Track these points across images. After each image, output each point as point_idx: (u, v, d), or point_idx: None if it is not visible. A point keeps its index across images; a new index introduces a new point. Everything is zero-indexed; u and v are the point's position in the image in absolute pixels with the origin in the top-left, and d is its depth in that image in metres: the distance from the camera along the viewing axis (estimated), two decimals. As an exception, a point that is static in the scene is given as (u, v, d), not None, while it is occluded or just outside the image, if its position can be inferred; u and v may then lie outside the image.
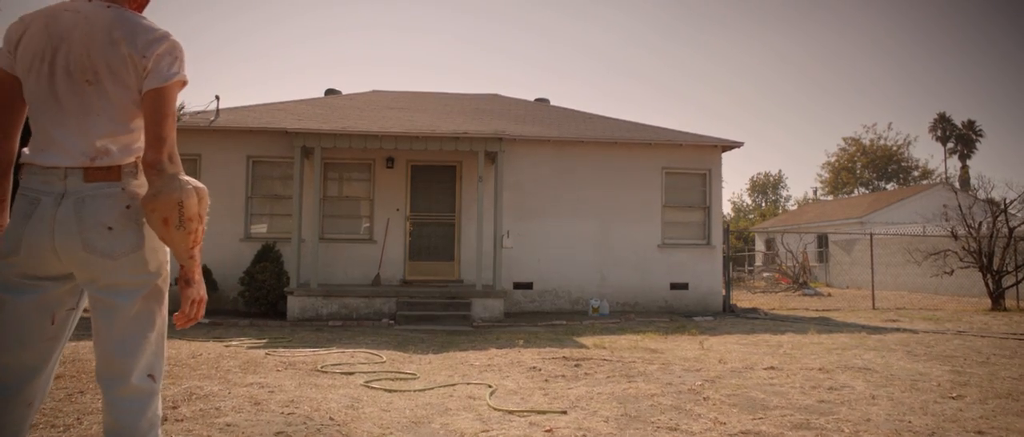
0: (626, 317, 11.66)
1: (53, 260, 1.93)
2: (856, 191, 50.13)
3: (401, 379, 5.66)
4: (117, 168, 1.96)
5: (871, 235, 17.12)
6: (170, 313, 2.09)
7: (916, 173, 50.58)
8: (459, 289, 11.56)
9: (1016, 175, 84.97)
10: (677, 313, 12.49)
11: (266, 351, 7.19)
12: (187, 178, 1.95)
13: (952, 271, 15.60)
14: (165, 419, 4.01)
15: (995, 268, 14.37)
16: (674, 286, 13.17)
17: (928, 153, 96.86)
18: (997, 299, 14.16)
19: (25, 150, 2.00)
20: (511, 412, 4.44)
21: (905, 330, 9.99)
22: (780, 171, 73.00)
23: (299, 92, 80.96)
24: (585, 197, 13.09)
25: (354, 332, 9.25)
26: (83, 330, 3.27)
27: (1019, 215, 15.28)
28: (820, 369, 6.25)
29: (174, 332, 8.03)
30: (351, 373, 5.89)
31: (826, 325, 10.81)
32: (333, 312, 10.84)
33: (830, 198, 49.83)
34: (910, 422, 4.28)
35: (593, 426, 4.10)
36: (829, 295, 19.55)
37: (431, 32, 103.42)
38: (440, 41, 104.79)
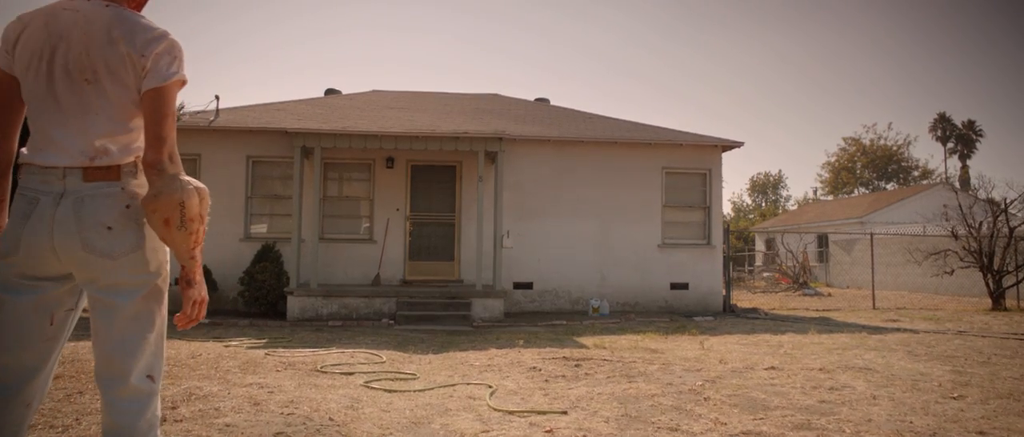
0: (626, 317, 11.65)
1: (52, 260, 1.92)
2: (856, 191, 50.13)
3: (401, 379, 5.65)
4: (116, 168, 1.95)
5: (871, 235, 17.11)
6: (170, 314, 2.08)
7: (916, 173, 50.58)
8: (459, 289, 11.55)
9: (1016, 175, 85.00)
10: (677, 313, 12.48)
11: (266, 351, 7.18)
12: (188, 178, 1.94)
13: (952, 271, 15.59)
14: (164, 419, 4.01)
15: (995, 268, 14.36)
16: (674, 286, 13.16)
17: (928, 153, 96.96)
18: (997, 299, 14.15)
19: (23, 150, 2.00)
20: (511, 412, 4.43)
21: (906, 330, 9.98)
22: (780, 171, 73.07)
23: (299, 92, 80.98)
24: (585, 197, 13.09)
25: (354, 332, 9.24)
26: (82, 330, 3.26)
27: (1019, 215, 15.28)
28: (821, 369, 6.25)
29: (173, 332, 8.02)
30: (351, 373, 5.88)
31: (826, 325, 10.80)
32: (333, 312, 10.83)
33: (830, 198, 49.83)
34: (911, 422, 4.27)
35: (593, 426, 4.09)
36: (829, 295, 19.54)
37: (431, 32, 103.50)
38: (440, 41, 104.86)
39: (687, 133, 14.14)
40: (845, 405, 4.74)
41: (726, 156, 27.58)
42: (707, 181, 13.58)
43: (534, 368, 6.25)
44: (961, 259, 15.09)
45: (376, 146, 11.37)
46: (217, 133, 12.38)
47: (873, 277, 16.32)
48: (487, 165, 12.51)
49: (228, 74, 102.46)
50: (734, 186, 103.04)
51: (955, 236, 15.24)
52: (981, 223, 14.90)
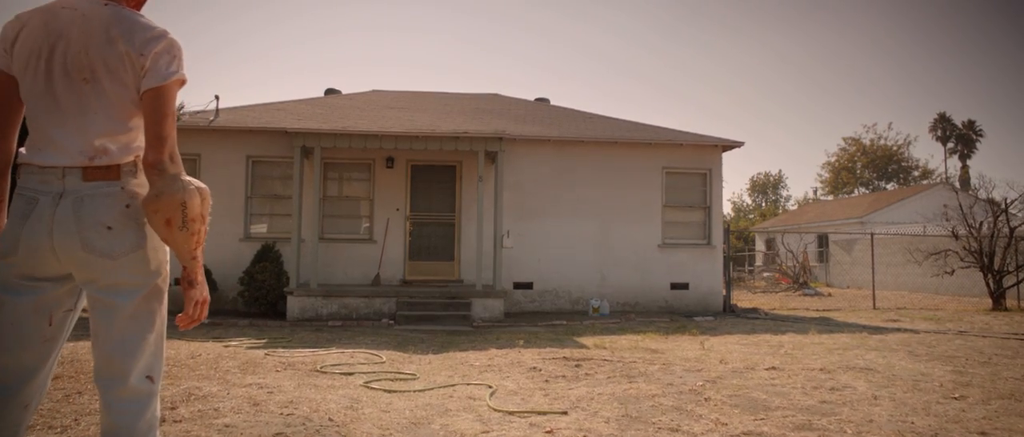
0: (626, 317, 11.64)
1: (52, 260, 1.91)
2: (856, 191, 50.12)
3: (401, 379, 5.64)
4: (116, 167, 1.94)
5: (872, 235, 17.11)
6: (171, 314, 2.07)
7: (916, 173, 50.57)
8: (459, 289, 11.55)
9: (1016, 175, 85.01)
10: (677, 313, 12.48)
11: (265, 351, 7.17)
12: (189, 178, 1.93)
13: (953, 271, 15.58)
14: (163, 420, 4.00)
15: (996, 268, 14.35)
16: (674, 286, 13.15)
17: (928, 153, 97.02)
18: (998, 299, 14.15)
19: (22, 150, 1.98)
20: (511, 413, 4.42)
21: (906, 330, 9.98)
22: (780, 171, 73.04)
23: (299, 92, 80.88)
24: (585, 197, 13.08)
25: (354, 332, 9.23)
26: (82, 330, 3.25)
27: (1020, 215, 15.27)
28: (821, 369, 6.24)
29: (173, 332, 8.01)
30: (351, 373, 5.87)
31: (827, 325, 10.79)
32: (333, 312, 10.82)
33: (830, 198, 49.82)
34: (913, 423, 4.26)
35: (594, 427, 4.08)
36: (829, 295, 19.53)
37: (431, 32, 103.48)
38: (440, 41, 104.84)
39: (687, 133, 14.13)
40: (846, 405, 4.73)
41: (726, 156, 27.58)
42: (707, 181, 13.57)
43: (534, 368, 6.24)
44: (961, 259, 15.09)
45: (376, 146, 11.36)
46: (217, 133, 12.37)
47: (873, 277, 16.32)
48: (487, 165, 12.50)
49: (228, 74, 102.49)
50: (734, 186, 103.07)
51: (955, 236, 15.23)
52: (981, 223, 14.90)
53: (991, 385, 5.55)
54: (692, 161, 13.50)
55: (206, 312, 2.03)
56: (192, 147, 12.06)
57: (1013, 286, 14.47)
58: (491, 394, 5.01)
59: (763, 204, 57.10)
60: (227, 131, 12.34)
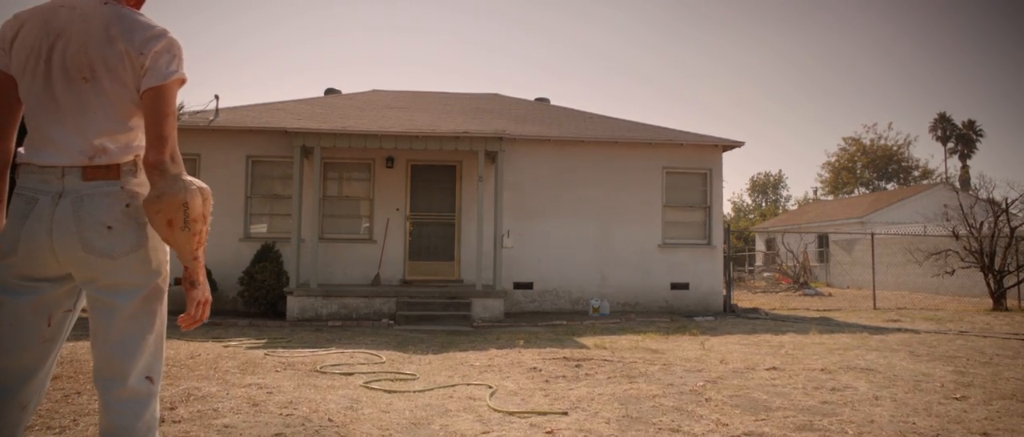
0: (627, 317, 11.63)
1: (51, 260, 1.90)
2: (856, 191, 50.11)
3: (401, 380, 5.63)
4: (116, 167, 1.93)
5: (872, 235, 17.10)
6: (171, 314, 2.06)
7: (916, 173, 50.57)
8: (459, 289, 11.54)
9: (1017, 175, 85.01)
10: (678, 313, 12.47)
11: (265, 351, 7.17)
12: (190, 178, 1.92)
13: (953, 271, 15.57)
14: (163, 420, 3.99)
15: (996, 268, 14.35)
16: (675, 286, 13.14)
17: (928, 153, 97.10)
18: (998, 299, 14.14)
19: (20, 149, 1.97)
20: (512, 413, 4.41)
21: (907, 330, 9.97)
22: (780, 171, 73.05)
23: (299, 92, 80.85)
24: (585, 197, 13.07)
25: (354, 332, 9.22)
26: (81, 330, 3.24)
27: (1020, 215, 15.26)
28: (822, 370, 6.23)
29: (173, 332, 8.01)
30: (350, 374, 5.86)
31: (827, 325, 10.78)
32: (333, 312, 10.82)
33: (830, 198, 49.82)
34: (914, 423, 4.26)
35: (594, 427, 4.07)
36: (830, 295, 19.53)
37: (431, 32, 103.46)
38: (440, 41, 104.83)
39: (687, 133, 14.12)
40: (847, 406, 4.72)
41: (726, 156, 27.55)
42: (707, 181, 13.56)
43: (534, 368, 6.23)
44: (962, 259, 15.08)
45: (376, 146, 11.35)
46: (217, 133, 12.36)
47: (874, 277, 16.31)
48: (487, 165, 12.49)
49: (228, 74, 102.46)
50: (734, 186, 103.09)
51: (956, 236, 15.23)
52: (982, 223, 14.89)
53: (992, 385, 5.54)
54: (692, 161, 13.49)
55: (208, 313, 2.03)
56: (192, 147, 12.06)
57: (1014, 286, 14.45)
58: (491, 394, 5.00)
59: (763, 204, 57.11)
60: (227, 131, 12.33)
